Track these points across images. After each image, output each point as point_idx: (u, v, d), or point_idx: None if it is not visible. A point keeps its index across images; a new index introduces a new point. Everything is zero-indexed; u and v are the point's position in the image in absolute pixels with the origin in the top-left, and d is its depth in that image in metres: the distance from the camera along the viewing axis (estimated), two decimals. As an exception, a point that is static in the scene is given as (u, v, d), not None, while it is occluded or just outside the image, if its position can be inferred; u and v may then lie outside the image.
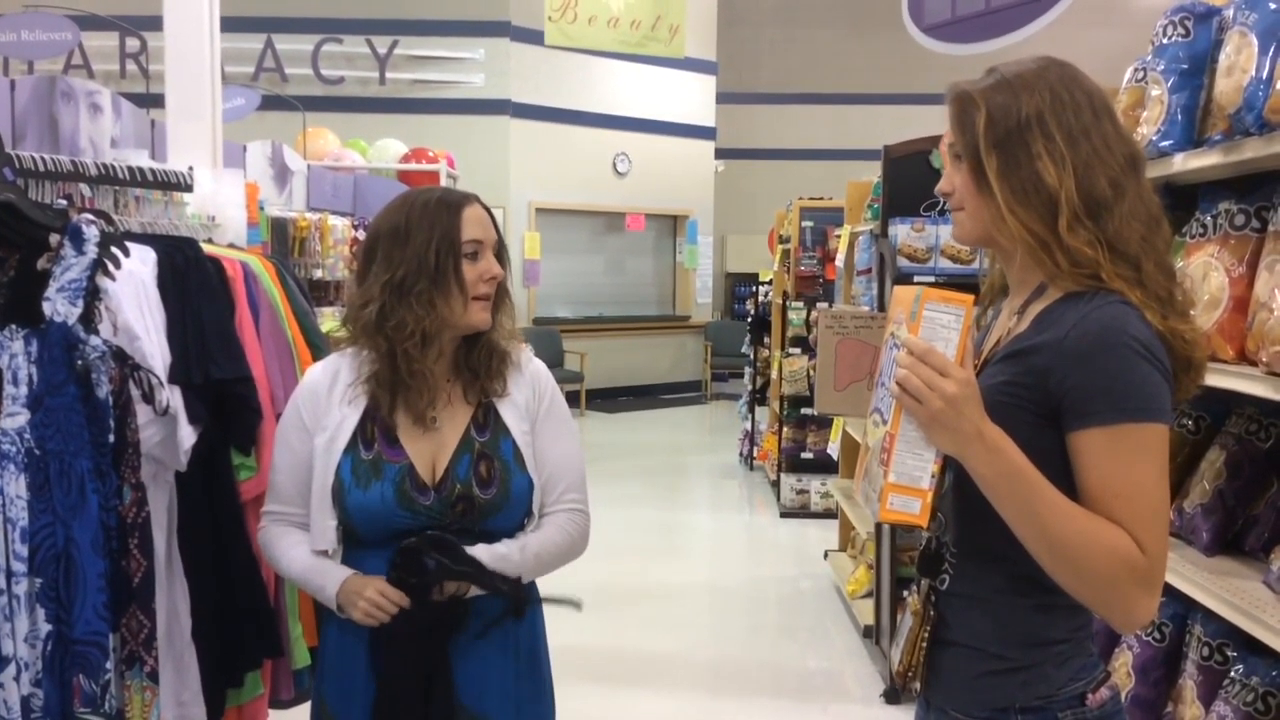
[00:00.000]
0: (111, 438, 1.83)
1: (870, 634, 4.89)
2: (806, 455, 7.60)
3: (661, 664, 4.89)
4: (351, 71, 12.19)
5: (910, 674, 1.61)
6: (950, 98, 1.53)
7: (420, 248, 1.92)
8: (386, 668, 1.90)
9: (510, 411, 2.03)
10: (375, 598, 1.85)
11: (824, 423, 7.38)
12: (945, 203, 1.57)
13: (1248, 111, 1.96)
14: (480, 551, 1.91)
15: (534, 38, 11.69)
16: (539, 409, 2.06)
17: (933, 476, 1.39)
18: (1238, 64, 2.02)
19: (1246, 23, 2.06)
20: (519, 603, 1.91)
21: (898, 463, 1.39)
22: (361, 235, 6.33)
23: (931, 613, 1.58)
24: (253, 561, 2.40)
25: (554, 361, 12.41)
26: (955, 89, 1.53)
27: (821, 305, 7.04)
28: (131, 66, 10.77)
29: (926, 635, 1.58)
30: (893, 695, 4.36)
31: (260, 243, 3.87)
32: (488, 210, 2.03)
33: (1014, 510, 1.37)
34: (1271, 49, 1.93)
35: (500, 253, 2.03)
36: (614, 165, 13.72)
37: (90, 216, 1.91)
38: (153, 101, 3.97)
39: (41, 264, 1.84)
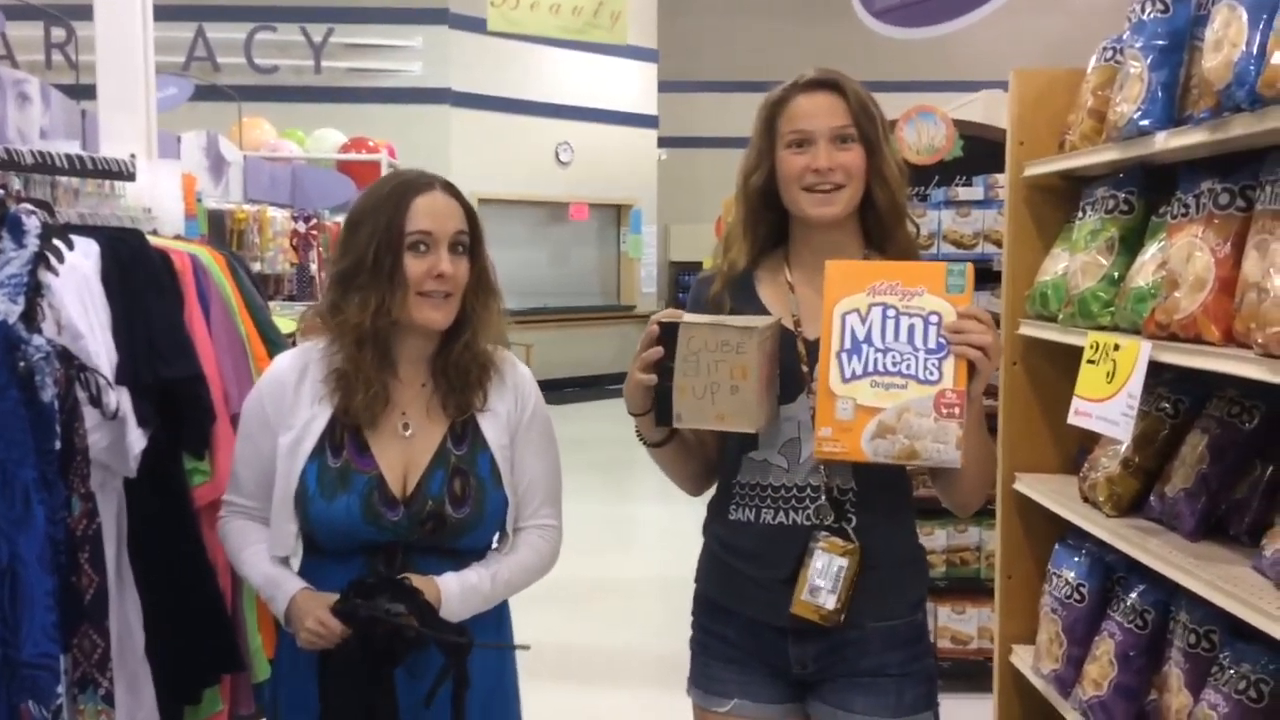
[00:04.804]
0: (58, 444, 1.71)
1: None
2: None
3: (618, 658, 4.88)
4: (286, 60, 11.99)
5: (842, 611, 1.75)
6: (849, 89, 1.80)
7: (364, 239, 1.81)
8: (328, 694, 1.78)
9: (490, 424, 1.92)
10: (315, 627, 1.74)
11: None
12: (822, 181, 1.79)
13: (1239, 86, 1.91)
14: (450, 582, 1.81)
15: (473, 25, 11.57)
16: (520, 418, 1.97)
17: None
18: (1226, 38, 1.97)
19: (1233, -4, 2.01)
20: (460, 660, 1.76)
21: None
22: (302, 227, 6.20)
23: (855, 546, 1.77)
24: (209, 572, 2.29)
25: (499, 354, 12.29)
26: (849, 82, 1.81)
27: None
28: (58, 57, 10.42)
29: (856, 569, 1.77)
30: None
31: (198, 235, 3.74)
32: (458, 198, 1.91)
33: (981, 426, 1.74)
34: (1262, 22, 1.89)
35: (474, 246, 1.91)
36: (557, 154, 13.63)
37: (30, 207, 1.79)
38: (81, 92, 3.84)
39: (-23, 258, 1.71)
